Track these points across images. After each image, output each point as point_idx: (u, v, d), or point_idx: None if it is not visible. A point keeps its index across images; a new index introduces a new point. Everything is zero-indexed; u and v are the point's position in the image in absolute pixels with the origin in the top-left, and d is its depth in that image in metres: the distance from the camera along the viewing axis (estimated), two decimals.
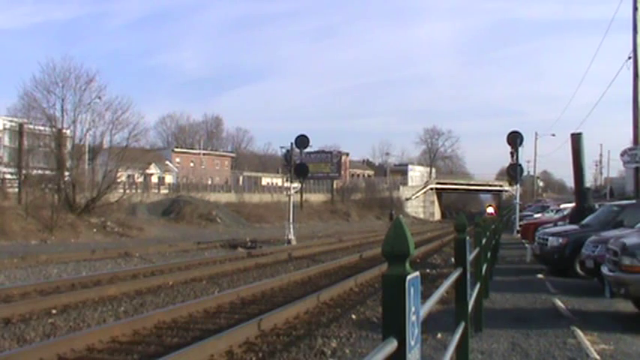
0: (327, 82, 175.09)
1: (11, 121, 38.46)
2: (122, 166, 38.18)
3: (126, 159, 37.73)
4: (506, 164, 39.56)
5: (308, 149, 31.05)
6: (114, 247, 23.68)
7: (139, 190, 47.65)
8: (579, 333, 7.51)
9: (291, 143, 28.91)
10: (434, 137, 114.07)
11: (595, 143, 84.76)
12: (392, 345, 1.99)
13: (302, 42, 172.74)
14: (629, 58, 20.51)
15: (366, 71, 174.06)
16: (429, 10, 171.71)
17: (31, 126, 35.11)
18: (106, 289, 11.86)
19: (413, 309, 2.13)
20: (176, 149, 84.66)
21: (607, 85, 70.75)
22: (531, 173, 78.10)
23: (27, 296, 11.14)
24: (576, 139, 21.03)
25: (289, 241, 26.94)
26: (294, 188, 29.02)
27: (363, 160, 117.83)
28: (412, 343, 2.13)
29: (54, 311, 9.68)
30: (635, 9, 20.30)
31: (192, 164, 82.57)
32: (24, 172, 33.62)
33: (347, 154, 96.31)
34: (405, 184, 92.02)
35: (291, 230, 27.58)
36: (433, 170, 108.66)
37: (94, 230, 31.62)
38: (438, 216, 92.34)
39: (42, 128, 35.28)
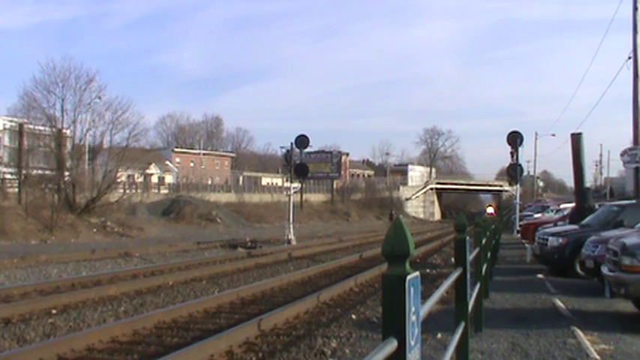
0: (327, 82, 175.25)
1: (11, 121, 38.46)
2: (122, 166, 38.18)
3: (126, 159, 37.73)
4: (506, 164, 39.59)
5: (308, 149, 31.07)
6: (114, 247, 23.68)
7: (139, 190, 47.63)
8: (579, 333, 7.51)
9: (291, 143, 28.92)
10: (434, 137, 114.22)
11: (595, 143, 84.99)
12: (392, 345, 1.99)
13: (302, 42, 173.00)
14: (629, 58, 20.52)
15: (366, 71, 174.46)
16: (429, 10, 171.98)
17: (31, 126, 35.11)
18: (106, 289, 11.86)
19: (413, 309, 2.13)
20: (176, 149, 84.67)
21: (607, 85, 70.95)
22: (531, 173, 78.10)
23: (27, 296, 11.14)
24: (576, 139, 21.03)
25: (289, 241, 26.94)
26: (294, 188, 29.02)
27: (363, 160, 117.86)
28: (412, 343, 2.13)
29: (54, 311, 9.68)
30: (635, 9, 20.30)
31: (192, 164, 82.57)
32: (24, 172, 33.61)
33: (347, 154, 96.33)
34: (405, 184, 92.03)
35: (291, 230, 27.58)
36: (433, 170, 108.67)
37: (94, 230, 31.62)
38: (438, 216, 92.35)
39: (42, 128, 35.28)
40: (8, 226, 26.50)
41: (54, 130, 34.65)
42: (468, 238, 4.92)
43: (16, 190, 33.30)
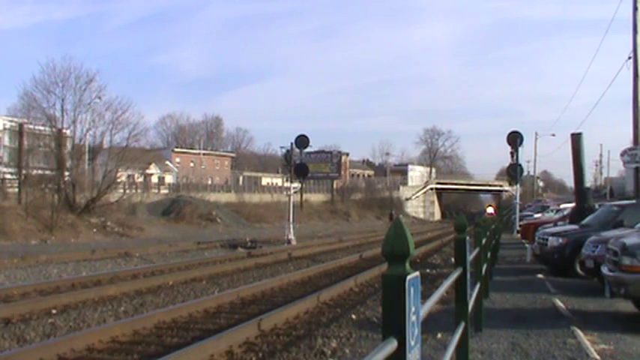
0: (327, 82, 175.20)
1: (11, 121, 38.48)
2: (122, 166, 38.18)
3: (126, 159, 37.73)
4: (506, 164, 39.60)
5: (308, 149, 31.06)
6: (114, 247, 23.68)
7: (138, 190, 47.62)
8: (579, 333, 7.51)
9: (291, 143, 28.91)
10: (434, 137, 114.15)
11: (595, 143, 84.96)
12: (392, 345, 1.99)
13: (302, 42, 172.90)
14: (629, 58, 20.52)
15: (366, 71, 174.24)
16: (429, 10, 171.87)
17: (31, 126, 35.11)
18: (106, 289, 11.86)
19: (413, 309, 2.13)
20: (176, 149, 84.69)
21: (607, 85, 70.76)
22: (531, 173, 78.12)
23: (27, 296, 11.14)
24: (576, 139, 21.04)
25: (289, 241, 26.94)
26: (294, 188, 29.02)
27: (363, 160, 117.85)
28: (412, 343, 2.13)
29: (54, 311, 9.68)
30: (635, 9, 20.30)
31: (192, 164, 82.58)
32: (24, 172, 33.61)
33: (347, 154, 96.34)
34: (405, 184, 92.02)
35: (291, 230, 27.58)
36: (433, 170, 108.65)
37: (94, 230, 31.63)
38: (438, 216, 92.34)
39: (42, 128, 35.28)
40: (8, 226, 26.51)
41: (54, 130, 34.65)
42: (468, 238, 4.93)
43: (16, 190, 33.31)
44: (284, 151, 31.31)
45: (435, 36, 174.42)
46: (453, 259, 8.66)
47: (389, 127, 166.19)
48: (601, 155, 78.63)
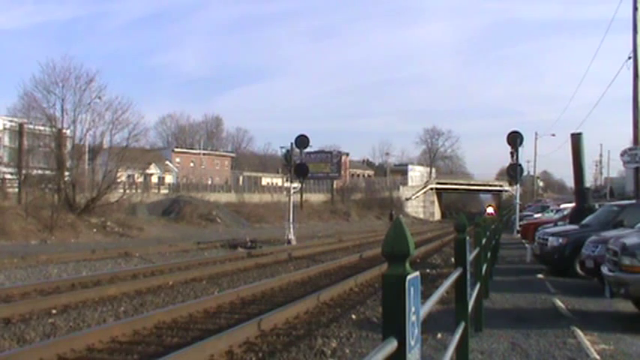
0: (327, 82, 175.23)
1: (11, 121, 38.44)
2: (122, 166, 38.18)
3: (126, 159, 37.73)
4: (506, 164, 39.57)
5: (308, 149, 31.06)
6: (114, 247, 23.68)
7: (138, 190, 47.62)
8: (579, 333, 7.51)
9: (291, 143, 28.93)
10: (434, 137, 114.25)
11: (595, 143, 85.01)
12: (392, 345, 1.99)
13: (302, 42, 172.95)
14: (629, 58, 20.52)
15: (366, 71, 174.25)
16: (429, 10, 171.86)
17: (31, 126, 35.09)
18: (106, 289, 11.86)
19: (413, 309, 2.13)
20: (176, 149, 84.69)
21: (607, 85, 70.82)
22: (531, 173, 78.10)
23: (27, 296, 11.14)
24: (576, 139, 21.05)
25: (289, 241, 26.93)
26: (294, 188, 29.02)
27: (363, 160, 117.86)
28: (412, 343, 2.13)
29: (54, 311, 9.68)
30: (635, 9, 20.30)
31: (192, 164, 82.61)
32: (24, 172, 33.63)
33: (347, 154, 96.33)
34: (405, 184, 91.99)
35: (291, 230, 27.58)
36: (433, 170, 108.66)
37: (94, 230, 31.62)
38: (438, 216, 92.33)
39: (42, 128, 35.26)
40: (8, 226, 26.51)
41: (54, 130, 34.63)
42: (468, 238, 4.93)
43: (16, 190, 33.32)
44: (284, 151, 31.40)
45: (435, 36, 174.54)
46: (453, 259, 8.66)
47: (389, 127, 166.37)
48: (601, 155, 78.72)
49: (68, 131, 35.30)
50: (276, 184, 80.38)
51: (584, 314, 9.02)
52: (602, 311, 9.39)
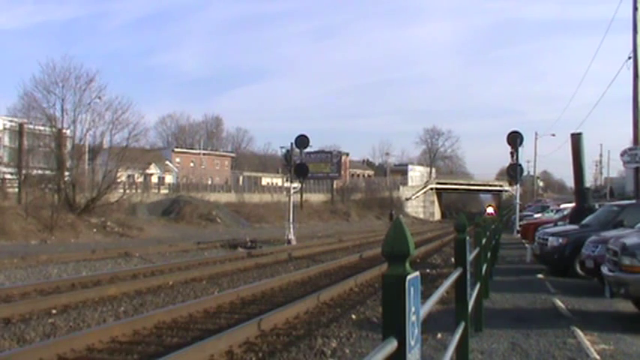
0: (327, 82, 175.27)
1: (11, 121, 38.45)
2: (122, 166, 38.18)
3: (126, 159, 37.73)
4: (506, 164, 39.56)
5: (308, 149, 31.05)
6: (114, 247, 23.68)
7: (138, 190, 47.64)
8: (579, 333, 7.51)
9: (291, 143, 28.92)
10: (434, 137, 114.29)
11: (595, 143, 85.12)
12: (392, 345, 1.99)
13: (302, 42, 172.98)
14: (629, 58, 20.51)
15: (367, 71, 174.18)
16: (429, 10, 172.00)
17: (31, 126, 35.10)
18: (106, 289, 11.86)
19: (413, 309, 2.13)
20: (176, 149, 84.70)
21: (607, 85, 70.86)
22: (531, 173, 78.09)
23: (27, 296, 11.14)
24: (576, 139, 21.05)
25: (289, 241, 26.93)
26: (294, 188, 29.02)
27: (363, 160, 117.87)
28: (412, 343, 2.13)
29: (54, 311, 9.68)
30: (635, 9, 20.29)
31: (192, 164, 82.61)
32: (24, 172, 33.63)
33: (347, 154, 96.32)
34: (405, 184, 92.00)
35: (291, 230, 27.58)
36: (433, 170, 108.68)
37: (94, 230, 31.63)
38: (438, 216, 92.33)
39: (42, 128, 35.26)
40: (8, 226, 26.51)
41: (54, 130, 34.64)
42: (468, 238, 4.93)
43: (16, 190, 33.31)
44: (284, 151, 31.38)
45: (435, 36, 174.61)
46: (453, 259, 8.66)
47: (389, 127, 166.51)
48: (601, 155, 78.78)
49: (68, 131, 35.31)
50: (276, 184, 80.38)
51: (584, 314, 9.02)
52: (602, 311, 9.38)
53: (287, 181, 30.87)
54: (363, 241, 29.63)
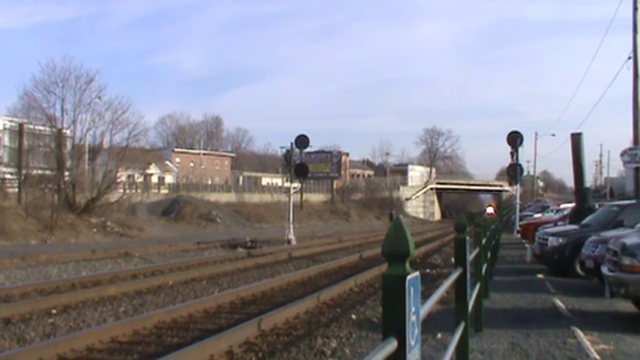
0: (327, 82, 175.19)
1: (11, 121, 38.46)
2: (122, 166, 38.17)
3: (126, 159, 37.72)
4: (506, 164, 39.58)
5: (308, 149, 31.04)
6: (114, 247, 23.68)
7: (138, 190, 47.65)
8: (579, 333, 7.51)
9: (291, 143, 28.91)
10: (434, 137, 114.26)
11: (595, 143, 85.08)
12: (392, 345, 1.99)
13: (302, 42, 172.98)
14: (629, 58, 20.51)
15: (367, 71, 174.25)
16: (429, 10, 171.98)
17: (31, 126, 35.08)
18: (106, 289, 11.86)
19: (413, 309, 2.13)
20: (176, 149, 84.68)
21: (607, 85, 70.96)
22: (531, 173, 78.08)
23: (27, 296, 11.14)
24: (576, 139, 21.05)
25: (289, 241, 26.93)
26: (294, 188, 29.02)
27: (363, 160, 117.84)
28: (412, 343, 2.13)
29: (54, 311, 9.68)
30: (635, 9, 20.30)
31: (192, 164, 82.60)
32: (24, 172, 33.61)
33: (347, 154, 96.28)
34: (405, 184, 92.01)
35: (291, 230, 27.58)
36: (433, 170, 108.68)
37: (94, 230, 31.62)
38: (438, 216, 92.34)
39: (42, 128, 35.26)
40: (8, 226, 26.50)
41: (54, 130, 34.63)
42: (468, 238, 4.93)
43: (16, 190, 33.30)
44: (284, 151, 31.32)
45: (435, 36, 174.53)
46: (453, 259, 8.66)
47: (389, 127, 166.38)
48: (601, 155, 78.72)
49: (68, 131, 35.31)
50: (276, 184, 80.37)
51: (584, 314, 9.02)
52: (602, 311, 9.38)
53: (287, 181, 30.86)
54: (363, 241, 29.63)
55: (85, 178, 36.57)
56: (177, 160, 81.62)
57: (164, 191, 58.93)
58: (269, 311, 9.24)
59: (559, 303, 9.95)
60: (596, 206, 19.02)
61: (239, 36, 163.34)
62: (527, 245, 19.76)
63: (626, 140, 28.57)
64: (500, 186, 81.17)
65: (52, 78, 34.71)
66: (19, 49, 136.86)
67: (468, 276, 4.89)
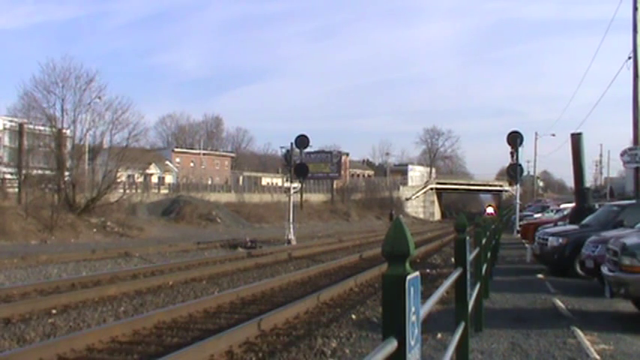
0: (327, 82, 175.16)
1: (11, 121, 38.46)
2: (122, 166, 38.17)
3: (126, 159, 37.72)
4: (506, 164, 39.58)
5: (308, 149, 31.04)
6: (114, 247, 23.68)
7: (138, 190, 47.64)
8: (579, 333, 7.51)
9: (291, 143, 28.91)
10: (434, 137, 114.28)
11: (595, 143, 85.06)
12: (392, 345, 1.99)
13: (302, 42, 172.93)
14: (629, 58, 20.51)
15: (367, 71, 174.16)
16: (429, 10, 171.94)
17: (31, 126, 35.09)
18: (106, 289, 11.86)
19: (413, 309, 2.13)
20: (176, 149, 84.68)
21: (607, 85, 70.93)
22: (531, 173, 78.09)
23: (27, 296, 11.14)
24: (576, 139, 21.06)
25: (289, 241, 26.93)
26: (294, 188, 29.02)
27: (363, 160, 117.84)
28: (412, 343, 2.13)
29: (54, 311, 9.68)
30: (635, 9, 20.29)
31: (192, 164, 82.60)
32: (24, 172, 33.61)
33: (347, 154, 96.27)
34: (405, 184, 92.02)
35: (291, 230, 27.58)
36: (433, 170, 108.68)
37: (94, 230, 31.62)
38: (438, 216, 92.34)
39: (42, 128, 35.26)
40: (8, 226, 26.50)
41: (54, 130, 34.63)
42: (468, 238, 4.93)
43: (16, 190, 33.31)
44: (284, 151, 31.30)
45: (435, 36, 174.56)
46: (453, 259, 8.66)
47: (389, 127, 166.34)
48: (601, 155, 78.71)
49: (68, 131, 35.31)
50: (276, 184, 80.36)
51: (584, 314, 9.02)
52: (602, 311, 9.38)
53: (287, 181, 30.86)
54: (363, 241, 29.63)
55: (85, 178, 36.57)
56: (177, 160, 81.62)
57: (164, 191, 58.93)
58: (269, 311, 9.24)
59: (559, 303, 9.95)
60: (596, 206, 19.02)
61: (239, 36, 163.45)
62: (527, 245, 19.76)
63: (626, 140, 28.58)
64: (500, 186, 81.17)
65: (52, 78, 34.77)
66: (19, 49, 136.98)
67: (468, 276, 4.89)
